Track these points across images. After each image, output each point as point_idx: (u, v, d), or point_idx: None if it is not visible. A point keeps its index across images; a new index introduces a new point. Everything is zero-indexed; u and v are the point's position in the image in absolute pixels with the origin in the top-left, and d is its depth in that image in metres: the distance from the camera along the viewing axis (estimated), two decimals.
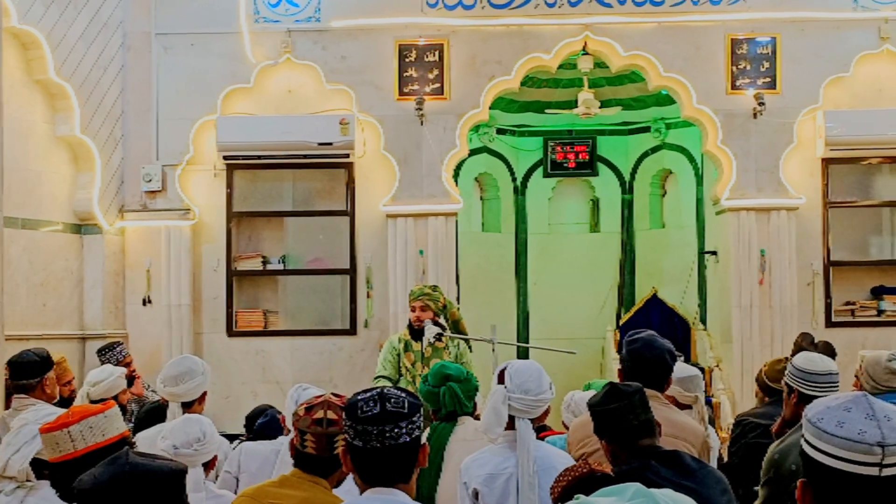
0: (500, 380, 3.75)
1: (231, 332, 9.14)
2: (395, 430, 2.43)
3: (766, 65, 9.01)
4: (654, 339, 3.99)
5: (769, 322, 8.92)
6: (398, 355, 6.83)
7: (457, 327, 6.94)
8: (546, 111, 10.73)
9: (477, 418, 4.27)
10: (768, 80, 9.00)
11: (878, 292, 9.23)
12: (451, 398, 4.21)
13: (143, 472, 2.30)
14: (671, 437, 3.59)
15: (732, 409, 8.53)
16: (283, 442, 4.37)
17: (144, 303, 9.04)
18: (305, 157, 8.98)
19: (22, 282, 8.19)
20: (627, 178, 11.47)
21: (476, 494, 3.66)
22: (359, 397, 2.49)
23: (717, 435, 5.46)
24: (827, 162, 9.08)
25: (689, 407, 4.73)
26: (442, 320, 6.81)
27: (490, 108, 9.29)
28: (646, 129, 11.17)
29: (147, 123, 9.12)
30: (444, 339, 6.67)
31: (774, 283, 8.93)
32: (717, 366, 9.25)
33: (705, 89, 9.02)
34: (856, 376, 5.00)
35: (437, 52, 9.03)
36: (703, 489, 3.15)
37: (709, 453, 3.95)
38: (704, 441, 3.91)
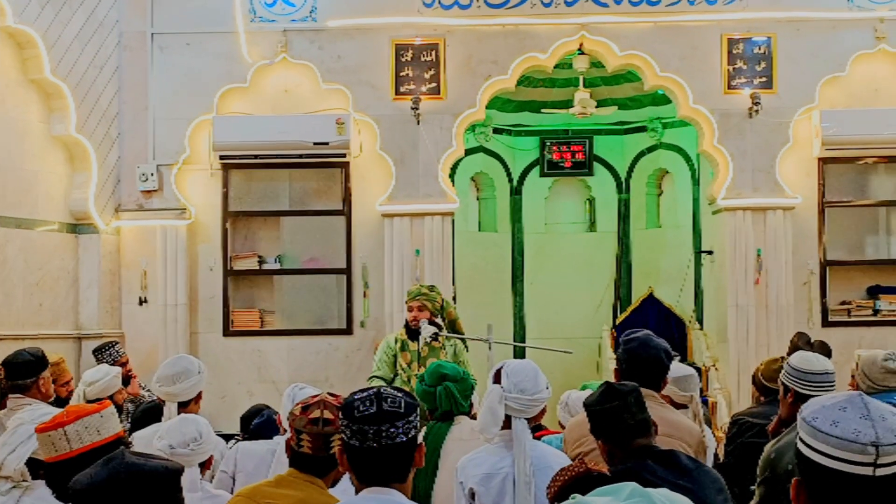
0: (497, 379, 3.75)
1: (227, 332, 9.13)
2: (392, 430, 2.43)
3: (763, 64, 9.02)
4: (651, 338, 4.00)
5: (765, 321, 8.93)
6: (394, 355, 6.83)
7: (454, 327, 6.94)
8: (542, 111, 10.74)
9: (473, 418, 4.26)
10: (764, 79, 9.01)
11: (873, 292, 9.24)
12: (448, 398, 4.21)
13: (138, 471, 2.30)
14: (667, 437, 3.59)
15: (729, 408, 8.53)
16: (279, 442, 4.37)
17: (140, 302, 9.04)
18: (301, 156, 8.98)
19: (18, 281, 8.18)
20: (624, 177, 11.49)
21: (472, 494, 3.66)
22: (355, 397, 2.49)
23: (714, 434, 5.46)
24: (823, 161, 9.09)
25: (684, 406, 4.73)
26: (439, 320, 6.80)
27: (486, 108, 9.30)
28: (642, 129, 11.19)
29: (143, 123, 9.11)
30: (440, 338, 6.67)
31: (770, 283, 8.94)
32: (714, 365, 9.26)
33: (701, 89, 9.02)
34: (852, 376, 5.01)
35: (433, 52, 9.03)
36: (699, 489, 3.15)
37: (705, 453, 3.96)
38: (700, 440, 3.91)
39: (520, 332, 11.28)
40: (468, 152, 9.94)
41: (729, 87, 9.02)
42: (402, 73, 9.04)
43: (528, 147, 11.46)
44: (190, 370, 4.74)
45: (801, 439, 1.85)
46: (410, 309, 6.81)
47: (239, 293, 9.30)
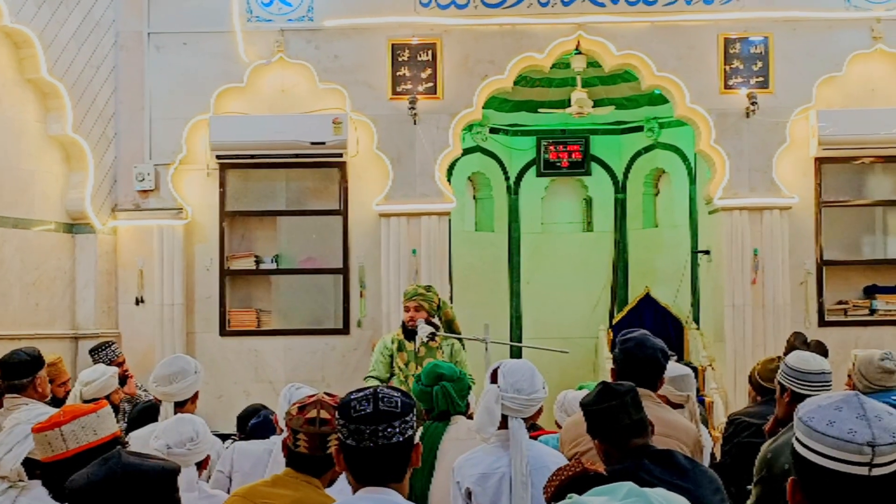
0: (493, 379, 3.75)
1: (224, 332, 9.13)
2: (389, 430, 2.43)
3: (759, 64, 9.02)
4: (647, 338, 4.00)
5: (762, 321, 8.93)
6: (391, 355, 6.83)
7: (450, 327, 6.94)
8: (539, 110, 10.74)
9: (470, 417, 4.26)
10: (761, 79, 9.02)
11: (870, 291, 9.24)
12: (444, 397, 4.21)
13: (135, 471, 2.30)
14: (664, 437, 3.59)
15: (725, 408, 8.54)
16: (275, 441, 4.36)
17: (137, 302, 9.03)
18: (298, 156, 8.98)
19: (14, 281, 8.17)
20: (620, 177, 11.49)
21: (469, 494, 3.65)
22: (352, 397, 2.49)
23: (710, 434, 5.46)
24: (820, 161, 9.09)
25: (681, 406, 4.74)
26: (436, 320, 6.80)
27: (483, 108, 9.30)
28: (639, 129, 11.19)
29: (139, 123, 9.11)
30: (437, 338, 6.67)
31: (767, 283, 8.94)
32: (710, 365, 9.26)
33: (698, 89, 9.03)
34: (849, 375, 5.01)
35: (430, 52, 9.03)
36: (695, 488, 3.15)
37: (701, 452, 3.96)
38: (697, 440, 3.92)
39: (516, 332, 11.28)
40: (465, 152, 9.95)
41: (726, 87, 9.03)
42: (398, 73, 9.03)
43: (524, 147, 11.46)
44: (186, 370, 4.74)
45: (797, 439, 1.85)
46: (407, 309, 6.81)
47: (235, 293, 9.29)
